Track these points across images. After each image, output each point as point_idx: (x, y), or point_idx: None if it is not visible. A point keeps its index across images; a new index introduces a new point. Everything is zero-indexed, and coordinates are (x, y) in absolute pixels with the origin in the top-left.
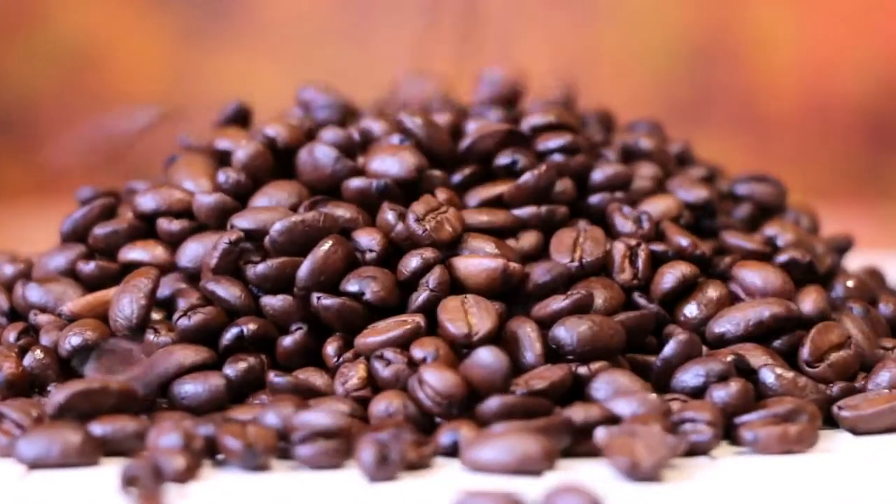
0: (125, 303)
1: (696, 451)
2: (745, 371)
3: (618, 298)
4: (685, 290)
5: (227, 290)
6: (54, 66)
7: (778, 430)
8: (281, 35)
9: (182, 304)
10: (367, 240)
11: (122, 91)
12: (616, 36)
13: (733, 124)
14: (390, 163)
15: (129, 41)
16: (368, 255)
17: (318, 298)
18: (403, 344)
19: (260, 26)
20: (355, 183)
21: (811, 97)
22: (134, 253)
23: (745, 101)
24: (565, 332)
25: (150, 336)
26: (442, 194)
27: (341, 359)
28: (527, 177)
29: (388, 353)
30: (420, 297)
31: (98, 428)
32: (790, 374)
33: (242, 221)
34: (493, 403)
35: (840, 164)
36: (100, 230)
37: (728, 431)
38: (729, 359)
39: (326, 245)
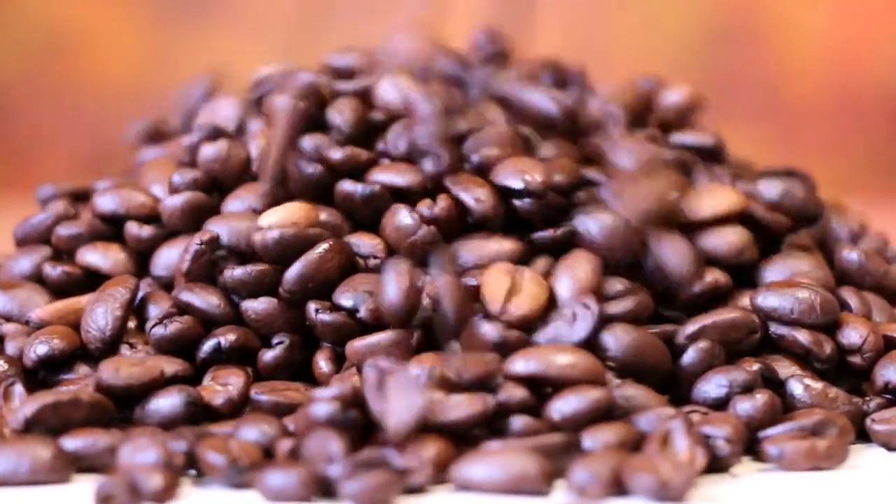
0: (99, 313)
1: (715, 467)
2: (771, 381)
3: (646, 303)
4: (717, 297)
5: (204, 299)
6: (25, 53)
7: (805, 444)
8: (266, 13)
9: (156, 311)
10: (370, 246)
11: (96, 78)
12: (628, 17)
13: (756, 113)
14: (404, 169)
15: (103, 26)
16: (371, 262)
17: (317, 311)
18: (398, 352)
19: (243, 4)
20: (345, 187)
21: (840, 84)
22: (92, 256)
23: (769, 89)
24: (613, 341)
25: (126, 352)
26: (443, 202)
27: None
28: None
29: (384, 363)
30: (423, 312)
31: (70, 442)
32: (819, 385)
33: (219, 229)
34: (517, 423)
35: (871, 157)
36: (63, 231)
37: (752, 446)
38: (754, 367)
39: (320, 249)
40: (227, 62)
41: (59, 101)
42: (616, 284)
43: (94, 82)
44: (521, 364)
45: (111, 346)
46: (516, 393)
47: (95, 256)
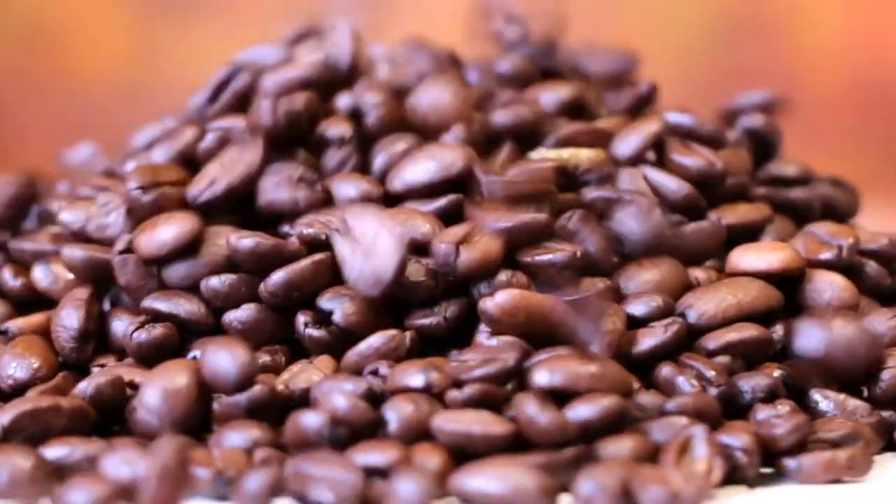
0: (64, 315)
1: (732, 480)
2: (793, 389)
3: (682, 330)
4: None
5: (177, 305)
6: (9, 46)
7: (824, 456)
8: (255, 4)
9: (124, 324)
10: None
11: (82, 69)
12: (639, 7)
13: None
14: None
15: (90, 17)
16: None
17: (305, 325)
18: (393, 357)
19: None
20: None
21: (859, 77)
22: (39, 273)
23: (782, 82)
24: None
25: (96, 371)
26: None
27: None
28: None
29: (384, 369)
30: (427, 319)
31: (51, 452)
32: (840, 396)
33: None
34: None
35: (890, 152)
36: (14, 245)
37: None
38: (776, 374)
39: (309, 260)
40: (213, 54)
41: (44, 95)
42: (655, 301)
43: (80, 75)
44: (544, 375)
45: (82, 341)
46: (530, 411)
47: (42, 274)
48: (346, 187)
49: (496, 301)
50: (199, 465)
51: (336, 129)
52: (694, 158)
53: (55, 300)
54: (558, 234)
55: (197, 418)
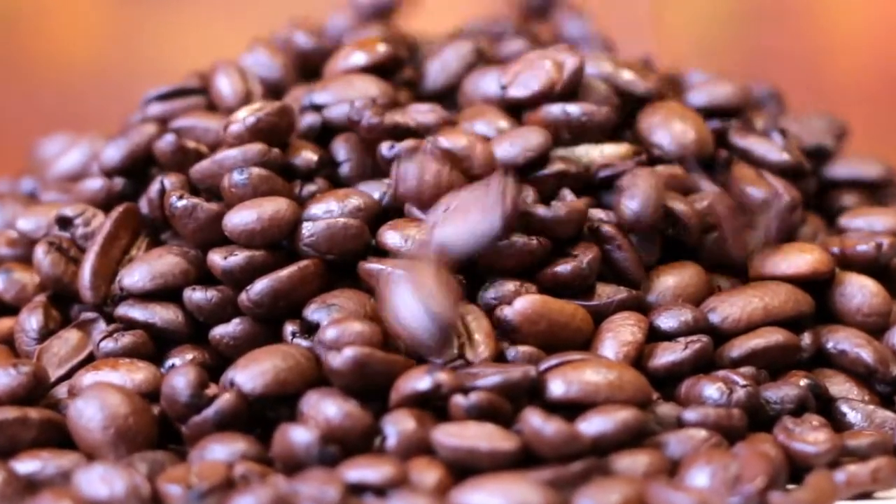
0: (23, 319)
1: None
2: (820, 398)
3: (709, 347)
4: None
5: (156, 314)
6: None
7: (849, 469)
8: None
9: (101, 326)
10: None
11: (55, 55)
12: None
13: (794, 97)
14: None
15: None
16: None
17: (293, 335)
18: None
19: None
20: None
21: (886, 61)
22: (1, 283)
23: (808, 70)
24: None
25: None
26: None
27: None
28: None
29: None
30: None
31: (23, 465)
32: (869, 407)
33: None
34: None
35: None
36: None
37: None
38: (803, 383)
39: (295, 267)
40: (193, 39)
41: (11, 81)
42: (685, 315)
43: (50, 61)
44: (560, 386)
45: (44, 340)
46: (535, 422)
47: (8, 286)
48: None
49: (516, 308)
50: (171, 481)
51: None
52: (760, 189)
53: (20, 307)
54: (585, 239)
55: (142, 436)
